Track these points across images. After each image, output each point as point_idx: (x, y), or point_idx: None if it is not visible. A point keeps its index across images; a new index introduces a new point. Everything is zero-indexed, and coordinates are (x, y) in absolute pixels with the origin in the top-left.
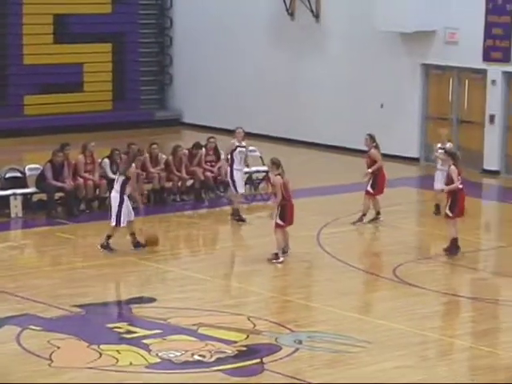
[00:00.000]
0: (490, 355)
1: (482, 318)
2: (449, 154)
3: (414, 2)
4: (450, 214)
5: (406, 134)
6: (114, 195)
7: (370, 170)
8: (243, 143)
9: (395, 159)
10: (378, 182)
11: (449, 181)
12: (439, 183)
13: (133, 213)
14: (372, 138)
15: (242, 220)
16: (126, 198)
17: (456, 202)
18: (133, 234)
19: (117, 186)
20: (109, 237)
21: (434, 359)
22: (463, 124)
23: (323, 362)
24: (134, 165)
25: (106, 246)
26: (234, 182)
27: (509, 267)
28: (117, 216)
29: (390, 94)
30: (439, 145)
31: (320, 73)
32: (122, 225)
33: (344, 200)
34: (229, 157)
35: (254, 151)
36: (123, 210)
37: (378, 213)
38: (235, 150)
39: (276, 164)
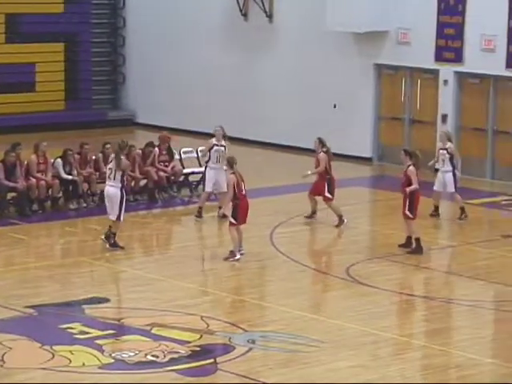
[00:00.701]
0: (442, 354)
1: (435, 317)
2: (407, 153)
3: (366, 3)
4: (411, 215)
5: (359, 134)
6: (114, 191)
7: (309, 172)
8: (222, 142)
9: (348, 159)
10: (332, 187)
11: (406, 181)
12: (440, 185)
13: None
14: (321, 142)
15: (200, 217)
16: (125, 195)
17: (414, 203)
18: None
19: (114, 182)
20: (114, 234)
21: (387, 358)
22: (416, 124)
23: (277, 362)
24: (123, 157)
25: (114, 244)
26: (204, 179)
27: (461, 266)
28: (120, 210)
29: (343, 95)
30: (440, 145)
31: (273, 73)
32: (121, 219)
33: (297, 200)
34: (207, 154)
35: None
36: (124, 204)
37: (314, 212)
38: (212, 148)
39: (229, 163)
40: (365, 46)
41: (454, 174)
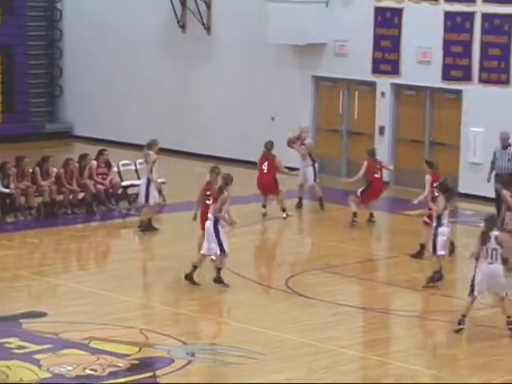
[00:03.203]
0: (380, 365)
1: (373, 328)
2: (427, 162)
3: (304, 15)
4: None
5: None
6: (208, 224)
7: None
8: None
9: None
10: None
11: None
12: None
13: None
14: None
15: (155, 229)
16: (220, 227)
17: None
18: (195, 268)
19: (210, 214)
20: (219, 269)
21: (326, 369)
22: (353, 136)
23: (215, 374)
24: (226, 192)
25: (219, 280)
26: (148, 192)
27: (398, 277)
28: (219, 244)
29: (282, 107)
30: (300, 141)
31: (212, 85)
32: (225, 253)
33: (235, 212)
34: (149, 167)
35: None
36: (222, 237)
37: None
38: (155, 162)
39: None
40: (303, 58)
41: (314, 168)
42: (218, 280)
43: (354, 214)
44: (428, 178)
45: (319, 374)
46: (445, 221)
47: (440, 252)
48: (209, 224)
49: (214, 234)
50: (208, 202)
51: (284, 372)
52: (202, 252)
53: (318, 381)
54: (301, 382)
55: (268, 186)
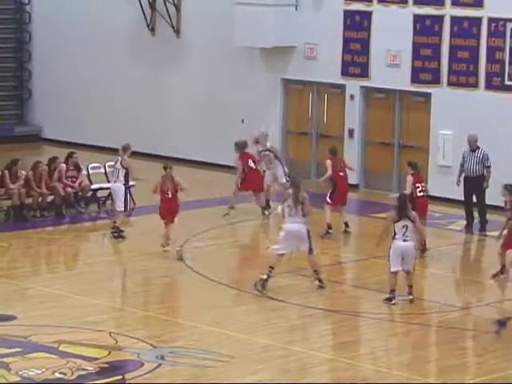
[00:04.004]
0: (350, 367)
1: (342, 331)
2: (410, 164)
3: (273, 18)
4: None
5: None
6: (298, 227)
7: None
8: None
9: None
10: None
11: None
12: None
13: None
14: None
15: (122, 236)
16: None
17: (416, 209)
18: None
19: (296, 218)
20: (316, 271)
21: (296, 372)
22: (323, 138)
23: (185, 377)
24: (303, 193)
25: (319, 281)
26: (126, 199)
27: (367, 280)
28: (310, 243)
29: (251, 110)
30: (261, 148)
31: (181, 88)
32: (314, 252)
33: (205, 215)
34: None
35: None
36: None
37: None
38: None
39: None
40: (272, 61)
41: (283, 168)
42: (319, 281)
43: (329, 226)
44: (409, 178)
45: (291, 376)
46: (398, 235)
47: (392, 269)
48: (299, 226)
49: (307, 236)
50: (167, 196)
51: (255, 374)
52: (279, 252)
53: (291, 382)
54: (279, 383)
55: (257, 183)
